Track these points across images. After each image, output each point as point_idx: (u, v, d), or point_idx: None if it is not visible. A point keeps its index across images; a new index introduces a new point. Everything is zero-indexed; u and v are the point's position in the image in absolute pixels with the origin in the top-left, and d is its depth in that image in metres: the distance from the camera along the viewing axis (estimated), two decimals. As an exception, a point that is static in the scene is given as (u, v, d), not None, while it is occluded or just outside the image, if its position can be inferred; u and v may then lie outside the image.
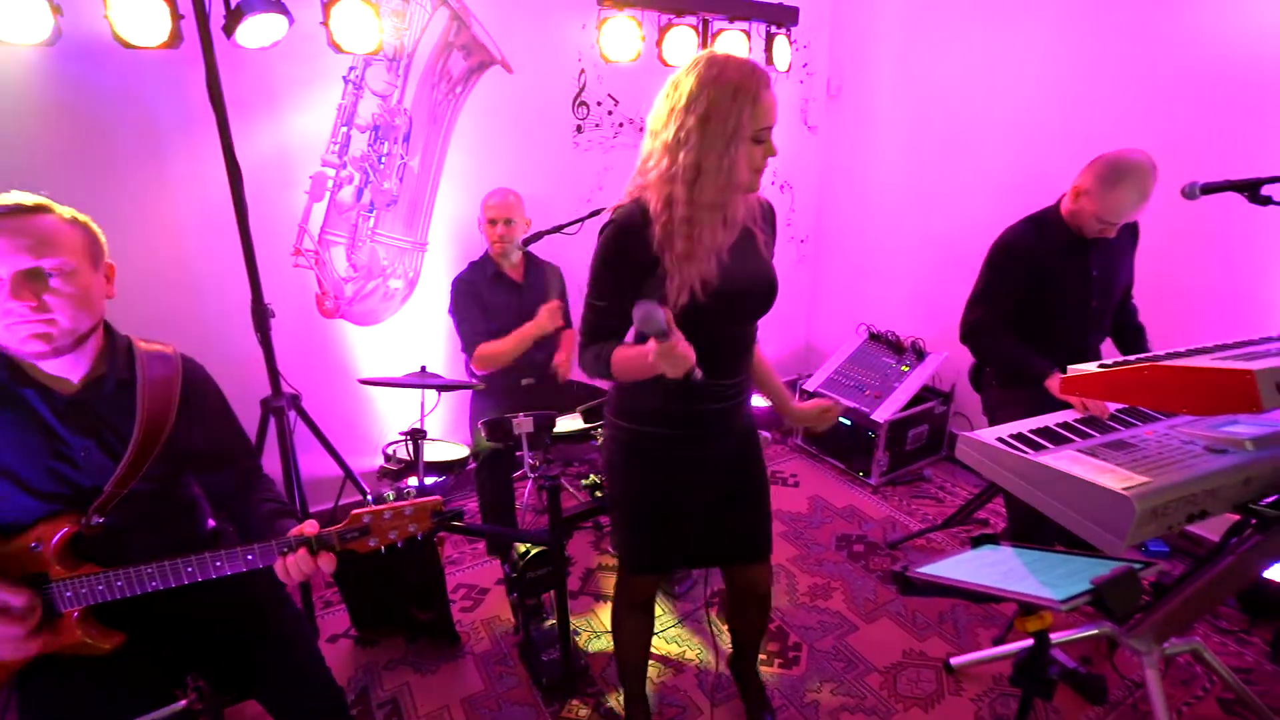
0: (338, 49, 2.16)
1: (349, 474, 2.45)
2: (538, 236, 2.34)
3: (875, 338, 3.35)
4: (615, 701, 1.91)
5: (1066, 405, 1.76)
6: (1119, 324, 2.15)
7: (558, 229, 2.31)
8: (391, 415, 2.81)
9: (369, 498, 2.46)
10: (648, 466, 1.44)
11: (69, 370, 1.15)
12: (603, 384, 1.51)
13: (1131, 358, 1.55)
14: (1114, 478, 1.32)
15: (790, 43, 3.16)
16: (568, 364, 2.55)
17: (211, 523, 1.42)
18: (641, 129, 1.31)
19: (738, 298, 1.31)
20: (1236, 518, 1.50)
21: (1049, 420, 1.67)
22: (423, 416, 2.32)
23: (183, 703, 1.21)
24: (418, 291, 2.78)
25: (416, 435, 2.22)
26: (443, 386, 2.31)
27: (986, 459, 1.55)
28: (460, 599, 2.35)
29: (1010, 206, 2.18)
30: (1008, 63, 2.79)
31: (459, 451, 2.49)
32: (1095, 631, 1.88)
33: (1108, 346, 2.16)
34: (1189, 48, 2.27)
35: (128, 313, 1.35)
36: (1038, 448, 1.51)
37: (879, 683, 1.98)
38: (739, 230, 1.31)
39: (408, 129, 2.58)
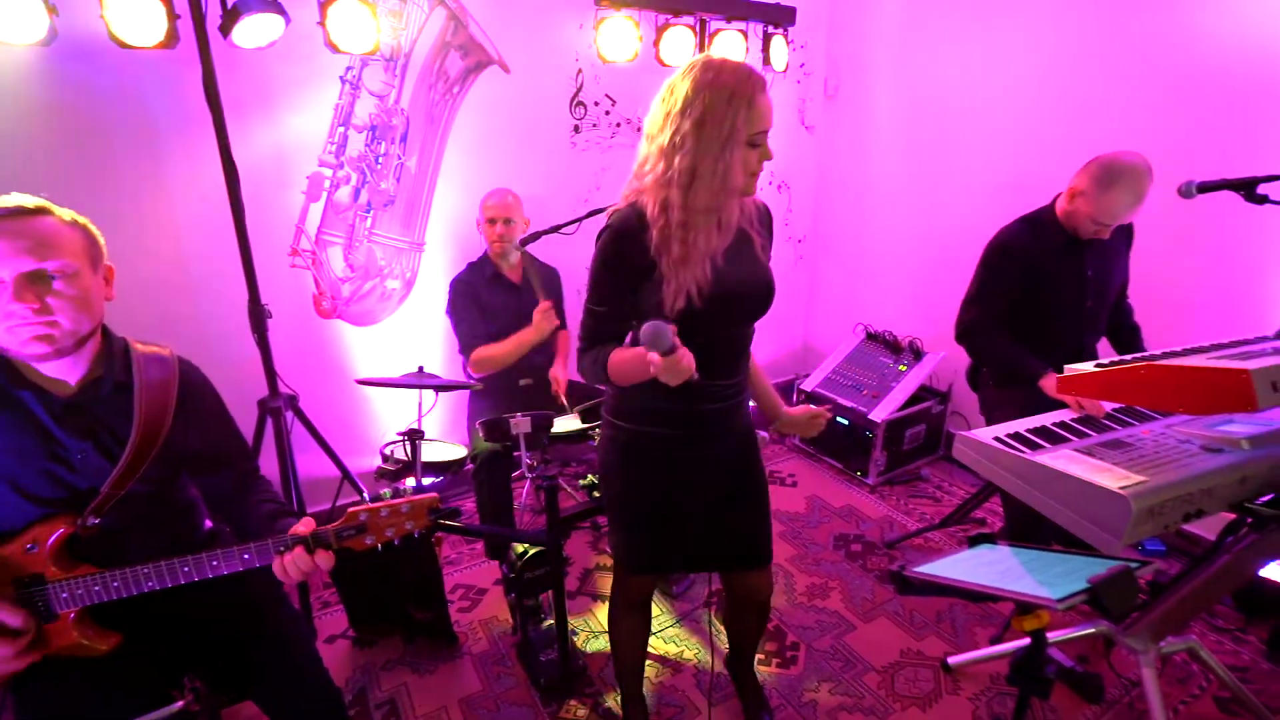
0: (335, 49, 2.16)
1: (346, 475, 2.45)
2: (535, 237, 2.34)
3: (872, 337, 3.36)
4: (613, 701, 1.91)
5: (1063, 405, 1.77)
6: (1114, 324, 2.16)
7: (555, 229, 2.31)
8: (389, 416, 2.81)
9: (366, 498, 2.46)
10: (647, 466, 1.44)
11: (66, 372, 1.15)
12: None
13: (1128, 357, 1.55)
14: (1111, 477, 1.32)
15: (787, 43, 3.17)
16: (563, 380, 2.53)
17: (209, 524, 1.42)
18: (639, 129, 1.32)
19: (734, 301, 1.31)
20: (1233, 516, 1.50)
21: (1046, 420, 1.67)
22: (420, 417, 2.32)
23: (179, 704, 1.21)
24: (415, 292, 2.78)
25: (414, 436, 2.21)
26: (440, 387, 2.30)
27: (984, 458, 1.55)
28: (458, 599, 2.35)
29: (1007, 206, 2.18)
30: (1004, 63, 2.80)
31: (457, 452, 2.49)
32: (1092, 630, 1.88)
33: (1104, 346, 2.17)
34: (1185, 49, 2.28)
35: (125, 313, 1.35)
36: (1035, 447, 1.51)
37: (877, 682, 1.98)
38: (734, 234, 1.31)
39: (405, 129, 2.58)
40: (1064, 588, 0.92)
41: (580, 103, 2.93)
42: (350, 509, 1.16)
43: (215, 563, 1.14)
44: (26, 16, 1.68)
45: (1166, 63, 2.33)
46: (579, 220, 2.28)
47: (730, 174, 1.20)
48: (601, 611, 2.28)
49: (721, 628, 2.11)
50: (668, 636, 2.16)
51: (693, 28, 2.80)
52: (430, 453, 2.42)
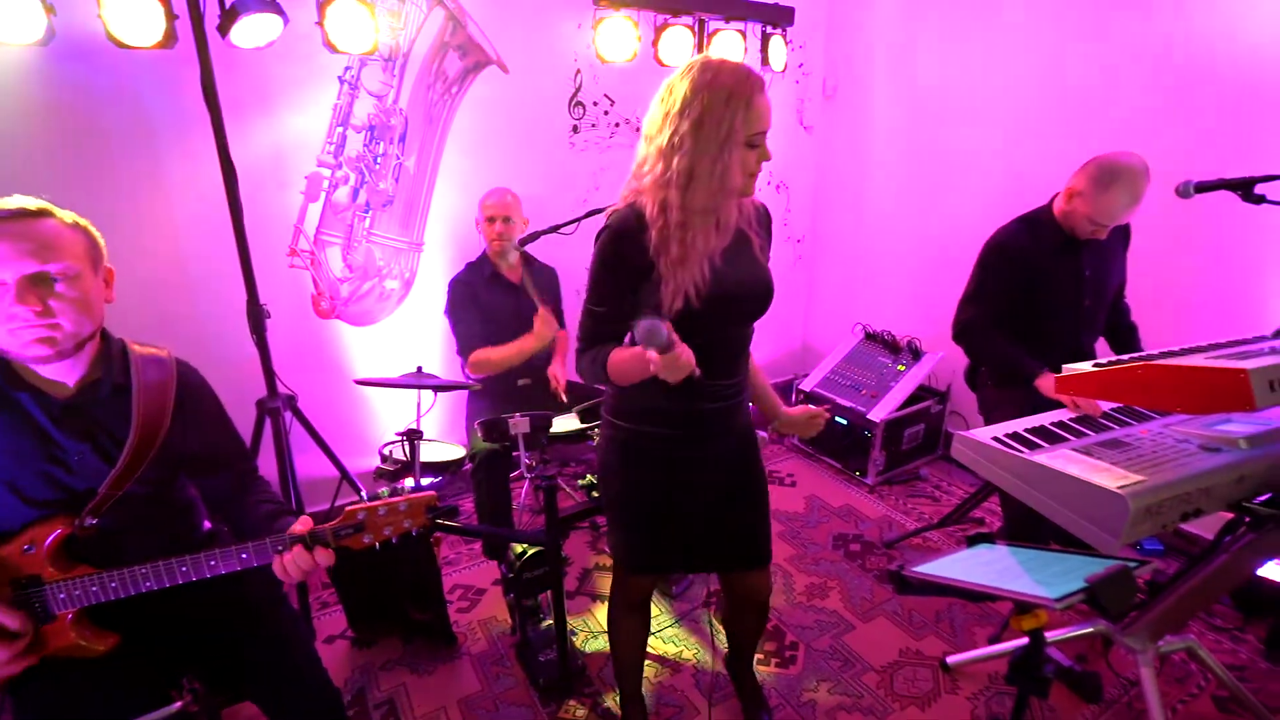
0: (333, 49, 2.15)
1: (345, 475, 2.44)
2: (534, 236, 2.33)
3: (871, 337, 3.36)
4: (612, 701, 1.91)
5: (1061, 405, 1.77)
6: (1112, 323, 2.16)
7: (554, 229, 2.31)
8: (388, 416, 2.81)
9: (365, 498, 2.45)
10: (647, 466, 1.44)
11: (65, 374, 1.15)
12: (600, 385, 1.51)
13: (1126, 357, 1.55)
14: (1109, 476, 1.32)
15: (786, 43, 3.17)
16: (562, 379, 2.53)
17: (207, 525, 1.41)
18: (637, 129, 1.32)
19: (732, 301, 1.31)
20: (1230, 516, 1.50)
21: (1044, 419, 1.67)
22: (419, 417, 2.32)
23: (178, 704, 1.21)
24: (414, 292, 2.78)
25: (413, 436, 2.21)
26: (439, 387, 2.30)
27: (982, 458, 1.56)
28: (457, 600, 2.35)
29: (1005, 206, 2.18)
30: (1003, 63, 2.80)
31: (455, 452, 2.49)
32: (1090, 630, 1.88)
33: (1101, 346, 2.17)
34: (1183, 50, 2.28)
35: (123, 314, 1.34)
36: (1033, 447, 1.51)
37: (876, 682, 1.98)
38: (732, 234, 1.31)
39: (403, 129, 2.58)
40: (1062, 587, 0.92)
41: (579, 103, 2.93)
42: (348, 508, 1.15)
43: (213, 562, 1.14)
44: (24, 16, 1.68)
45: (1164, 64, 2.33)
46: (577, 220, 2.28)
47: (728, 174, 1.20)
48: (600, 611, 2.28)
49: (720, 627, 2.11)
50: (666, 636, 2.16)
51: (691, 28, 2.80)
52: (429, 453, 2.42)
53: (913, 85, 3.18)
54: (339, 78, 2.40)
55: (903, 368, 3.14)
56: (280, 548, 1.14)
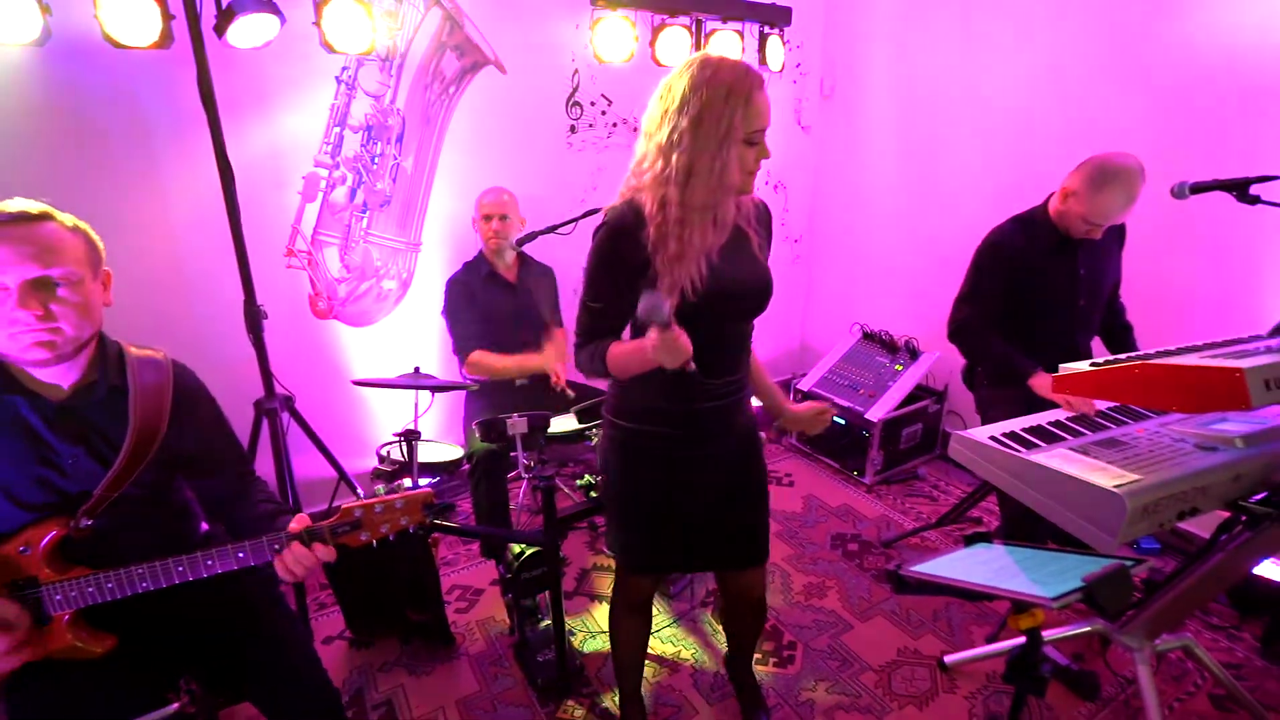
0: (330, 49, 2.15)
1: (343, 475, 2.44)
2: (532, 236, 2.34)
3: (869, 337, 3.36)
4: (611, 701, 1.91)
5: (1056, 404, 1.78)
6: (1107, 323, 2.17)
7: (552, 229, 2.31)
8: (385, 416, 2.80)
9: (362, 498, 2.45)
10: (647, 466, 1.44)
11: (60, 377, 1.15)
12: (600, 384, 1.51)
13: (1122, 356, 1.56)
14: (1106, 475, 1.33)
15: (783, 43, 3.17)
16: (563, 375, 2.53)
17: (204, 526, 1.41)
18: (635, 129, 1.32)
19: (730, 298, 1.32)
20: (1227, 514, 1.51)
21: (1041, 419, 1.68)
22: (416, 417, 2.32)
23: (175, 706, 1.21)
24: (411, 292, 2.78)
25: (410, 436, 2.21)
26: (437, 387, 2.30)
27: (979, 457, 1.56)
28: (455, 600, 2.35)
29: (1002, 206, 2.19)
30: (1000, 63, 2.81)
31: (453, 452, 2.48)
32: (1088, 629, 1.89)
33: (1097, 345, 2.18)
34: (1180, 50, 2.28)
35: (119, 315, 1.33)
36: (1030, 446, 1.51)
37: (874, 681, 1.98)
38: (730, 231, 1.32)
39: (401, 129, 2.57)
40: (1059, 586, 0.92)
41: (576, 103, 2.93)
42: (344, 505, 1.15)
43: (210, 562, 1.14)
44: (20, 16, 1.67)
45: (1161, 64, 2.34)
46: (575, 220, 2.28)
47: (727, 171, 1.21)
48: (599, 611, 2.28)
49: (719, 627, 2.11)
50: (665, 636, 2.16)
51: (688, 28, 2.81)
52: (426, 453, 2.42)
53: (910, 85, 3.19)
54: (336, 78, 2.40)
55: (900, 367, 3.15)
56: (277, 546, 1.13)
